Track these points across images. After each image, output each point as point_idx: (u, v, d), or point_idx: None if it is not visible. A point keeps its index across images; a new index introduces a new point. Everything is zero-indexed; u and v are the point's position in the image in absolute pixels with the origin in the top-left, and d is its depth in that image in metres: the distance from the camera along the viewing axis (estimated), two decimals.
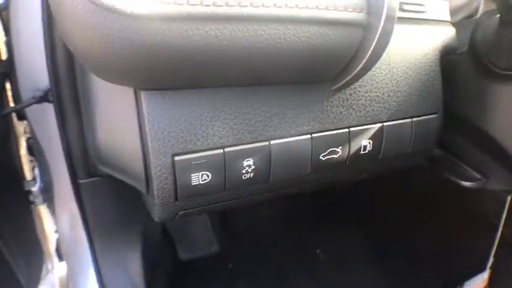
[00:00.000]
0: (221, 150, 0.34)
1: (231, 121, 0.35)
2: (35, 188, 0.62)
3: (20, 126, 0.61)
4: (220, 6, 0.26)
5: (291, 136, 0.38)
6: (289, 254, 0.89)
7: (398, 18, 0.41)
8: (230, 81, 0.34)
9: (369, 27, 0.33)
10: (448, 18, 0.48)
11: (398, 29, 0.42)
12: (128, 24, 0.25)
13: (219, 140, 0.35)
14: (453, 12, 0.49)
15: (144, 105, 0.32)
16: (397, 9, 0.32)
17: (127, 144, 0.35)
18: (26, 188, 0.62)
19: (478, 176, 0.49)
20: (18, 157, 0.62)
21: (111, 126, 0.37)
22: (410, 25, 0.45)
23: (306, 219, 0.94)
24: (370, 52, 0.33)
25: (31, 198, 0.63)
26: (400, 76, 0.44)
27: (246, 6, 0.27)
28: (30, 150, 0.62)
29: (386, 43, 0.33)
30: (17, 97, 0.54)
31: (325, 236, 0.91)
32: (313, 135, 0.39)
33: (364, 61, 0.34)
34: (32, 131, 0.57)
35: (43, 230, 0.68)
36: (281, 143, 0.37)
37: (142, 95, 0.32)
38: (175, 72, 0.29)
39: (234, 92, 0.35)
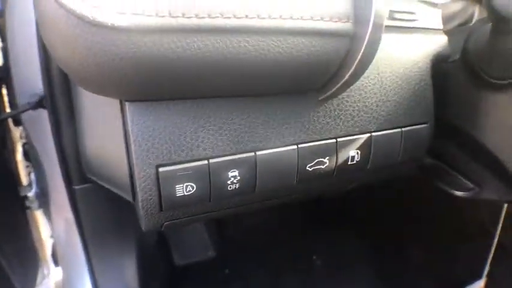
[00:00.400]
0: (206, 162, 0.34)
1: (216, 132, 0.35)
2: (30, 194, 0.62)
3: (16, 132, 0.61)
4: (202, 18, 0.26)
5: (276, 147, 0.37)
6: (285, 259, 0.89)
7: (388, 26, 0.40)
8: (214, 93, 0.33)
9: (355, 36, 0.32)
10: (440, 26, 0.48)
11: (388, 38, 0.42)
12: (110, 37, 0.25)
13: (204, 151, 0.34)
14: (447, 19, 0.49)
15: (128, 116, 0.32)
16: (385, 18, 0.32)
17: (113, 154, 0.35)
18: (22, 194, 0.62)
19: (471, 185, 0.49)
20: (15, 162, 0.63)
21: (98, 135, 0.37)
22: (400, 34, 0.44)
23: (302, 225, 0.94)
24: (357, 62, 0.32)
25: (27, 203, 0.63)
26: (389, 86, 0.43)
27: (229, 17, 0.27)
28: (27, 155, 0.62)
29: (374, 53, 0.33)
30: (13, 102, 0.54)
31: (322, 242, 0.91)
32: (300, 145, 0.38)
33: (351, 71, 0.33)
34: (27, 137, 0.57)
35: (39, 235, 0.68)
36: (267, 153, 0.37)
37: (127, 106, 0.31)
38: (159, 84, 0.29)
39: (218, 103, 0.34)
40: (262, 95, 0.36)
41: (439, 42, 0.46)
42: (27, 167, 0.63)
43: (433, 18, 0.46)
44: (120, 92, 0.30)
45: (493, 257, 0.72)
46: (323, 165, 0.40)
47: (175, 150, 0.33)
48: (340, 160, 0.41)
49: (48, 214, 0.63)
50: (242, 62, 0.29)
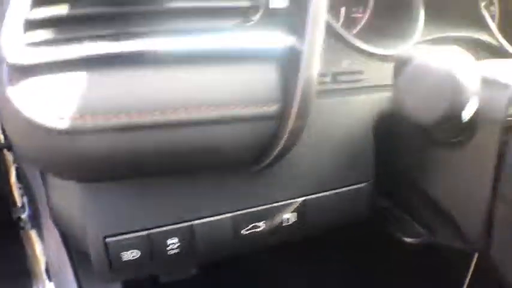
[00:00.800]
0: (146, 232, 0.38)
1: (155, 206, 0.38)
2: (23, 215, 0.65)
3: (10, 156, 0.64)
4: (132, 117, 0.29)
5: (212, 216, 0.40)
6: (271, 276, 0.90)
7: (329, 90, 0.41)
8: (151, 174, 0.37)
9: (282, 117, 0.33)
10: (389, 82, 0.46)
11: (328, 102, 0.42)
12: (53, 138, 0.28)
13: (145, 223, 0.38)
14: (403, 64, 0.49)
15: (81, 196, 0.36)
16: (312, 97, 0.33)
17: (71, 217, 0.39)
18: (16, 215, 0.65)
19: (422, 231, 0.49)
20: (9, 185, 0.65)
21: (60, 198, 0.41)
22: (343, 96, 0.44)
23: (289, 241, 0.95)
24: (284, 139, 0.34)
25: (21, 224, 0.66)
26: (326, 149, 0.43)
27: (165, 113, 0.29)
28: (20, 178, 0.65)
29: (302, 128, 0.34)
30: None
31: (307, 260, 0.91)
32: (234, 213, 0.41)
33: (279, 148, 0.35)
34: (18, 161, 0.60)
35: (34, 253, 0.71)
36: (203, 222, 0.40)
37: (79, 187, 0.36)
38: (102, 172, 0.33)
39: (157, 181, 0.38)
40: (196, 172, 0.39)
41: (386, 99, 0.46)
42: (20, 188, 0.66)
43: (382, 73, 0.46)
44: (70, 178, 0.34)
45: (470, 280, 0.72)
46: (258, 228, 0.42)
47: (120, 223, 0.38)
48: (275, 223, 0.43)
49: (40, 235, 0.66)
50: (173, 152, 0.32)
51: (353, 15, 0.54)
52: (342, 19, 0.52)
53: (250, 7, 0.31)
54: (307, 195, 0.43)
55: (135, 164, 0.32)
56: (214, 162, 0.37)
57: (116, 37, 0.28)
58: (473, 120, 0.37)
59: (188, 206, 0.40)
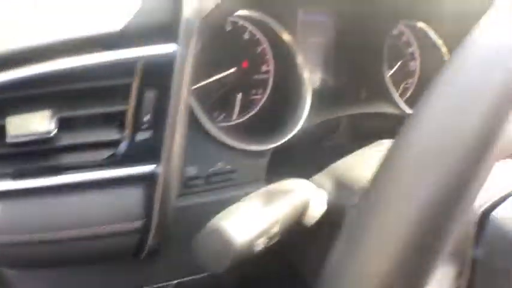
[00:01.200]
0: None
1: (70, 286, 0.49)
2: None
3: None
4: (42, 234, 0.39)
5: None
6: None
7: (203, 191, 0.47)
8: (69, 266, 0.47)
9: (146, 229, 0.41)
10: (262, 177, 0.51)
11: (200, 202, 0.48)
12: None
13: None
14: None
15: (17, 276, 0.46)
16: (169, 211, 0.40)
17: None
18: None
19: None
20: None
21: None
22: (215, 196, 0.48)
23: None
24: (148, 245, 0.42)
25: None
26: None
27: (57, 232, 0.39)
28: None
29: (162, 235, 0.42)
30: None
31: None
32: None
33: (146, 251, 0.43)
34: None
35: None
36: None
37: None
38: (23, 267, 0.44)
39: (68, 272, 0.48)
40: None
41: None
42: None
43: (256, 169, 0.50)
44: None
45: None
46: None
47: None
48: None
49: None
50: (66, 257, 0.43)
51: (252, 97, 0.58)
52: (238, 103, 0.57)
53: (119, 139, 0.39)
54: (182, 278, 0.51)
55: (44, 263, 0.43)
56: (100, 260, 0.46)
57: (26, 173, 0.37)
58: (324, 217, 0.41)
59: (90, 285, 0.50)
